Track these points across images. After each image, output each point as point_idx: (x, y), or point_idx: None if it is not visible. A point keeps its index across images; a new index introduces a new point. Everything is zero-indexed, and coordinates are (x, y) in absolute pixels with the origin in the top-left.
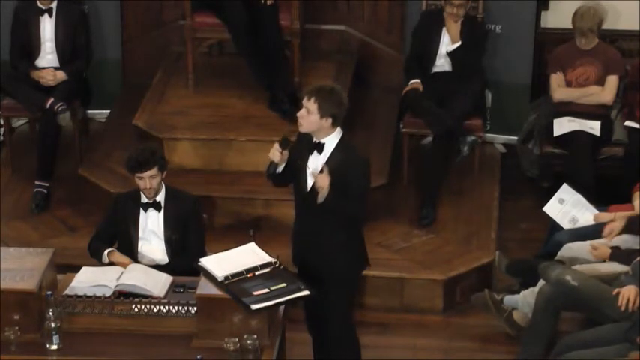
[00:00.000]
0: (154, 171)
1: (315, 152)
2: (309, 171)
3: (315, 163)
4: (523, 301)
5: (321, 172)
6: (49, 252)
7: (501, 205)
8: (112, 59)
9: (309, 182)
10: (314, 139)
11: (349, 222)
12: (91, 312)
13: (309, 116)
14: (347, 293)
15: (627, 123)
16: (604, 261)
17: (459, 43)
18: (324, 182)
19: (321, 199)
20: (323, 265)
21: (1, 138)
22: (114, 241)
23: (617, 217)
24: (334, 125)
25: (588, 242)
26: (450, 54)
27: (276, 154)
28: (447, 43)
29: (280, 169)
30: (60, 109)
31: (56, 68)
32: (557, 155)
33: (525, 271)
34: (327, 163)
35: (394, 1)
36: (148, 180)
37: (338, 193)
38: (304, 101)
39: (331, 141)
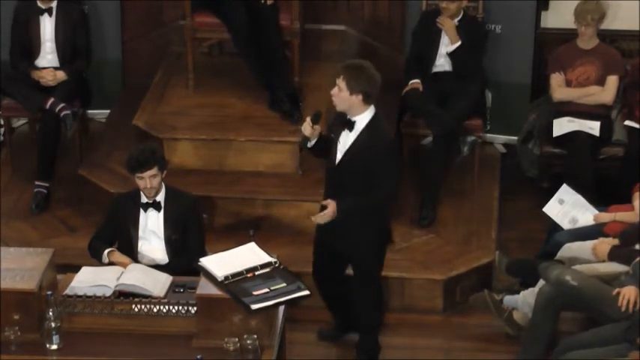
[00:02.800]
0: (154, 170)
1: (346, 130)
2: (339, 146)
3: (346, 139)
4: (523, 301)
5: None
6: (49, 252)
7: (501, 205)
8: (112, 59)
9: (339, 157)
10: (348, 116)
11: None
12: (91, 312)
13: (340, 93)
14: (370, 267)
15: (627, 122)
16: (604, 261)
17: (459, 43)
18: (325, 219)
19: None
20: (345, 240)
21: (1, 138)
22: (114, 241)
23: (612, 229)
24: (366, 102)
25: (588, 242)
26: (450, 54)
27: (307, 127)
28: (447, 44)
29: (311, 143)
30: (64, 115)
31: (56, 68)
32: (557, 155)
33: (525, 271)
34: (355, 141)
35: (394, 1)
36: (149, 179)
37: (350, 200)
38: (336, 79)
39: (362, 119)
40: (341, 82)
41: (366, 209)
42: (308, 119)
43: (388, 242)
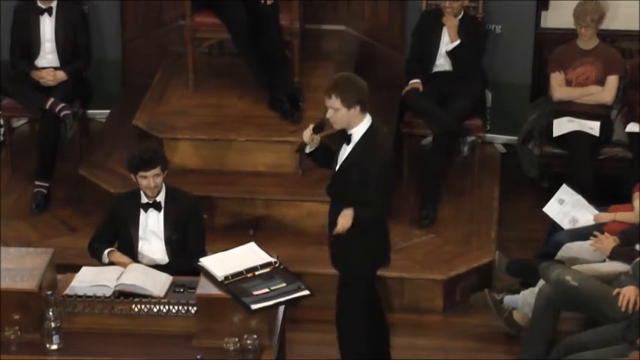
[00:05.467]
0: (157, 169)
1: (344, 143)
2: (339, 158)
3: (343, 153)
4: (523, 301)
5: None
6: (49, 252)
7: (501, 205)
8: (112, 59)
9: (336, 170)
10: (347, 131)
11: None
12: (91, 312)
13: (337, 113)
14: (358, 289)
15: (629, 128)
16: (604, 261)
17: (458, 42)
18: (343, 227)
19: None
20: (338, 257)
21: (1, 138)
22: (114, 241)
23: (611, 228)
24: (363, 111)
25: (588, 242)
26: (450, 53)
27: (307, 134)
28: (447, 42)
29: (308, 149)
30: (64, 115)
31: (56, 68)
32: (557, 155)
33: (525, 271)
34: (350, 154)
35: (394, 1)
36: (152, 179)
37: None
38: (326, 102)
39: (359, 131)
40: (335, 102)
41: (363, 224)
42: (310, 126)
43: (382, 265)
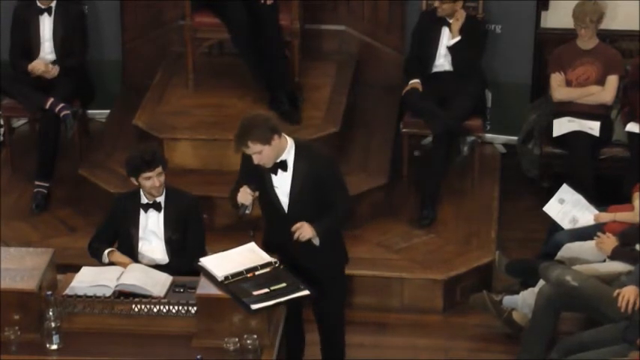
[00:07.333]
0: (159, 169)
1: (279, 171)
2: (278, 190)
3: (282, 180)
4: (523, 301)
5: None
6: (49, 252)
7: (501, 205)
8: (112, 59)
9: (284, 202)
10: (276, 161)
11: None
12: (91, 312)
13: (262, 154)
14: (341, 291)
15: (629, 128)
16: (604, 261)
17: (459, 38)
18: (307, 234)
19: (316, 242)
20: (314, 268)
21: (1, 138)
22: (114, 241)
23: (612, 229)
24: (280, 135)
25: (588, 242)
26: (450, 48)
27: (248, 197)
28: (448, 37)
29: (250, 209)
30: (64, 115)
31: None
32: (557, 155)
33: (525, 272)
34: (295, 175)
35: (394, 1)
36: (156, 178)
37: (322, 221)
38: (246, 151)
39: (289, 152)
40: (254, 146)
41: (338, 226)
42: (246, 188)
43: (346, 263)
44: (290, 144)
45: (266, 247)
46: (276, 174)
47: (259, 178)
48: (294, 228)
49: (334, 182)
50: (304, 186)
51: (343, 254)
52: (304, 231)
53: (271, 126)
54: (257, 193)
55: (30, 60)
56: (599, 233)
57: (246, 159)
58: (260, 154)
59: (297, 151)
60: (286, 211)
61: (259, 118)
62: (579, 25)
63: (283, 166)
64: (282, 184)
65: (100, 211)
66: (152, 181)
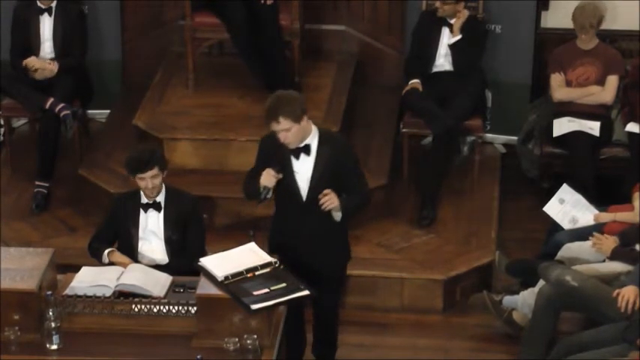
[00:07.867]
0: (155, 170)
1: (301, 155)
2: (298, 176)
3: (304, 165)
4: (523, 301)
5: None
6: (49, 252)
7: (501, 205)
8: (112, 59)
9: (302, 188)
10: (301, 144)
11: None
12: (91, 312)
13: (290, 132)
14: (340, 288)
15: (629, 128)
16: (604, 261)
17: (460, 36)
18: (333, 202)
19: (337, 217)
20: (320, 264)
21: (1, 138)
22: (114, 241)
23: (611, 227)
24: (308, 118)
25: (588, 242)
26: (451, 46)
27: (272, 179)
28: (448, 37)
29: (271, 193)
30: (64, 115)
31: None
32: (557, 155)
33: (525, 272)
34: (318, 159)
35: (394, 1)
36: (150, 180)
37: (347, 198)
38: (274, 127)
39: (314, 137)
40: (284, 123)
41: (357, 211)
42: (271, 171)
43: (349, 260)
44: (315, 130)
45: (273, 243)
46: (298, 158)
47: (278, 164)
48: (322, 194)
49: (355, 170)
50: (325, 171)
51: (347, 252)
52: (332, 198)
53: (303, 106)
54: (281, 175)
55: None
56: (595, 234)
57: (265, 144)
58: (288, 131)
59: (320, 137)
60: (304, 198)
61: (293, 94)
62: (580, 31)
63: (307, 150)
64: (303, 169)
65: (100, 211)
66: (145, 182)
